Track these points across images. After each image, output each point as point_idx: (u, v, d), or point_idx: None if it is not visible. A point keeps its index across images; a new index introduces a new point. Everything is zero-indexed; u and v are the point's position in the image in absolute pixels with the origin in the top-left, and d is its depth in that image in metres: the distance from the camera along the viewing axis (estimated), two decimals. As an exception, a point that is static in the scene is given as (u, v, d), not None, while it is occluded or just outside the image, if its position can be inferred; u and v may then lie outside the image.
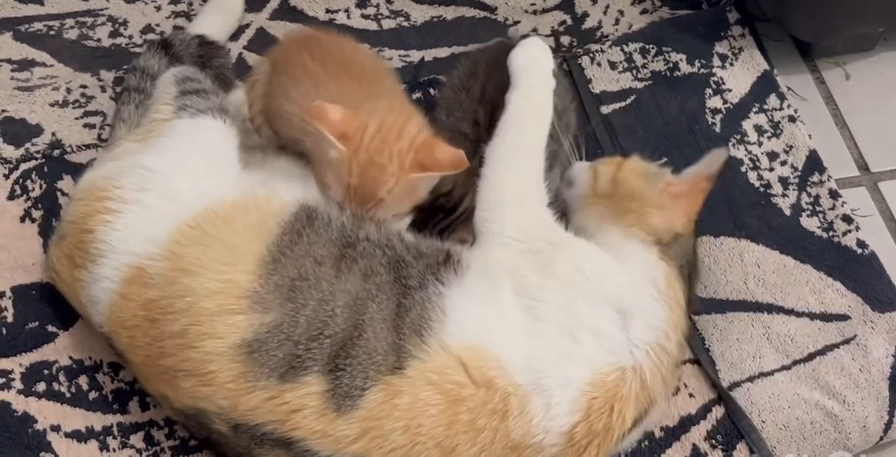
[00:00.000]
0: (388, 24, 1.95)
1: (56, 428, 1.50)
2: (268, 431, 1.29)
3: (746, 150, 1.78)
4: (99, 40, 1.91)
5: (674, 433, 1.54)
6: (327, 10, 1.96)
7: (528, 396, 1.28)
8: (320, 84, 1.53)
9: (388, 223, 1.42)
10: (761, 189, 1.75)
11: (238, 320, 1.29)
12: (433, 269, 1.36)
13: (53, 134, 1.75)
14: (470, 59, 1.70)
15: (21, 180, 1.68)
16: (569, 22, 1.95)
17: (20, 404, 1.52)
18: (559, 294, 1.36)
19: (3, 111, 1.77)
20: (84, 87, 1.81)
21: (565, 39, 1.93)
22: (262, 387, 1.28)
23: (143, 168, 1.44)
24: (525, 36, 1.83)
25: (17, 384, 1.53)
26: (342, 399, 1.26)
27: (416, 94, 1.81)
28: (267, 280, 1.31)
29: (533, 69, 1.54)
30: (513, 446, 1.28)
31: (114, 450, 1.50)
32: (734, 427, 1.53)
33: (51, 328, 1.57)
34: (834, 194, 1.74)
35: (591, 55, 1.87)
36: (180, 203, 1.41)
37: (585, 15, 1.96)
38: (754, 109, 1.83)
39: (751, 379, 1.57)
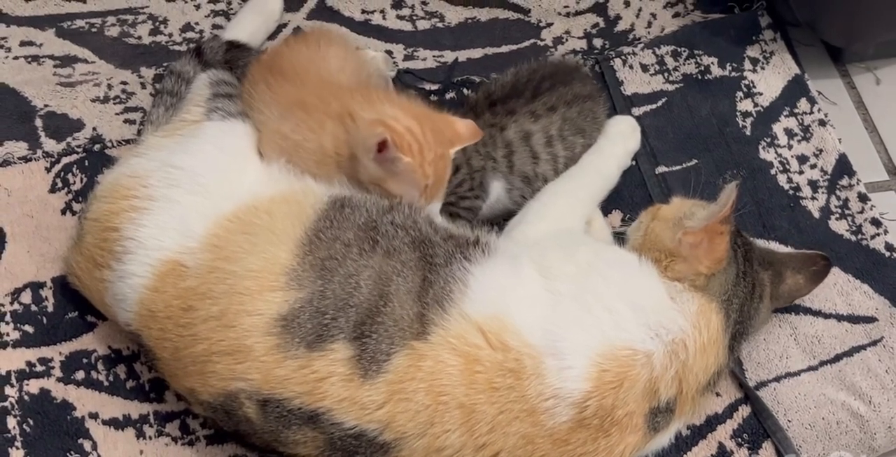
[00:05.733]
0: (422, 24, 1.98)
1: (94, 415, 1.54)
2: (295, 406, 1.33)
3: (776, 153, 1.80)
4: (139, 38, 1.94)
5: (700, 432, 1.55)
6: (363, 11, 1.98)
7: (541, 356, 1.34)
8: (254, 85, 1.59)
9: (419, 208, 1.48)
10: (791, 192, 1.76)
11: (276, 296, 1.35)
12: (462, 248, 1.42)
13: (94, 129, 1.79)
14: (539, 63, 1.74)
15: (62, 174, 1.72)
16: (601, 24, 1.97)
17: (59, 391, 1.55)
18: (581, 276, 1.42)
19: (46, 106, 1.81)
20: (125, 83, 1.85)
21: (598, 42, 1.94)
22: (292, 356, 1.33)
23: (171, 167, 1.48)
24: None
25: (57, 372, 1.56)
26: (368, 364, 1.32)
27: (450, 94, 1.84)
28: (303, 259, 1.38)
29: (617, 144, 1.71)
30: (529, 410, 1.32)
31: (150, 438, 1.53)
32: (760, 426, 1.55)
33: (90, 318, 1.60)
34: (863, 198, 1.74)
35: (622, 57, 1.89)
36: (211, 198, 1.45)
37: (618, 18, 1.98)
38: (785, 113, 1.84)
39: (777, 379, 1.59)
